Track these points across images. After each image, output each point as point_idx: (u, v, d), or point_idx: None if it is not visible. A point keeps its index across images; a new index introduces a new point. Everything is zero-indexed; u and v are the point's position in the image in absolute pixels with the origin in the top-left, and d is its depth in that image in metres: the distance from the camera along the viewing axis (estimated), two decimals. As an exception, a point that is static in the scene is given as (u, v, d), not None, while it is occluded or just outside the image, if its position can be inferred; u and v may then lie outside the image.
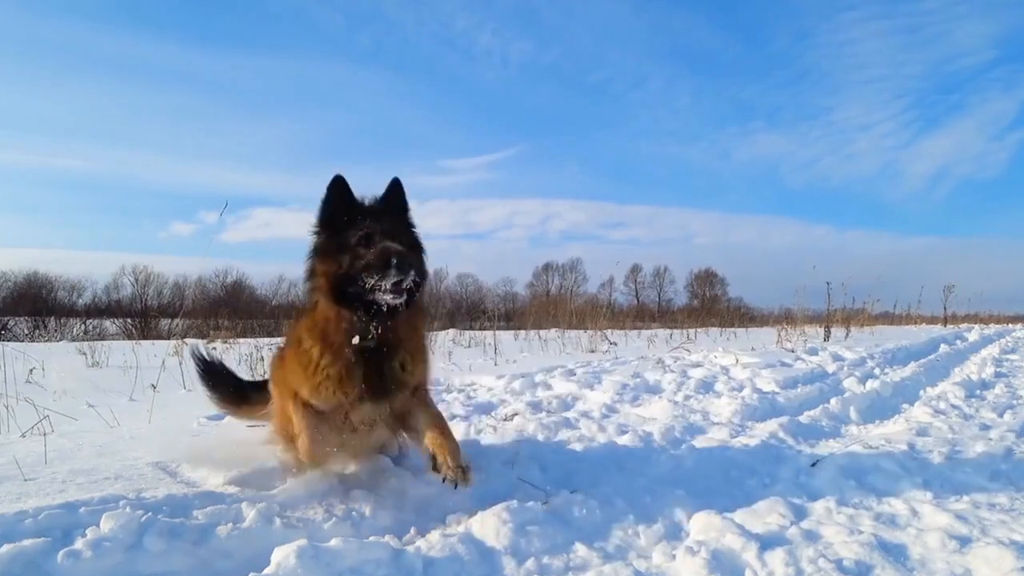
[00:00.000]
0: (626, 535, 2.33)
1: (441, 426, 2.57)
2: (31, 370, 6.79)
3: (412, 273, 2.31)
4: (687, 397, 5.28)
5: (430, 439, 2.50)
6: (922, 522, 2.39)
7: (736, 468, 3.12)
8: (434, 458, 2.44)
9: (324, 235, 2.46)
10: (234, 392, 3.33)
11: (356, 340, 2.38)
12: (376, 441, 2.80)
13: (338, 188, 2.47)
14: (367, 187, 2.53)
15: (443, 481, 2.41)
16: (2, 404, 4.17)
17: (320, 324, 2.45)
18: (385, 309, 2.35)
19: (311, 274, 2.48)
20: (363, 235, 2.36)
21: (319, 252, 2.45)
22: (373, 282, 2.29)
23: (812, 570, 1.98)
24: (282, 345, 2.88)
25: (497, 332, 11.92)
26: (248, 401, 3.27)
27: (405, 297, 2.33)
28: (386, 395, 2.51)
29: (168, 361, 6.16)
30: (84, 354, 10.55)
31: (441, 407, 4.77)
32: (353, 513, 2.38)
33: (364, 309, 2.36)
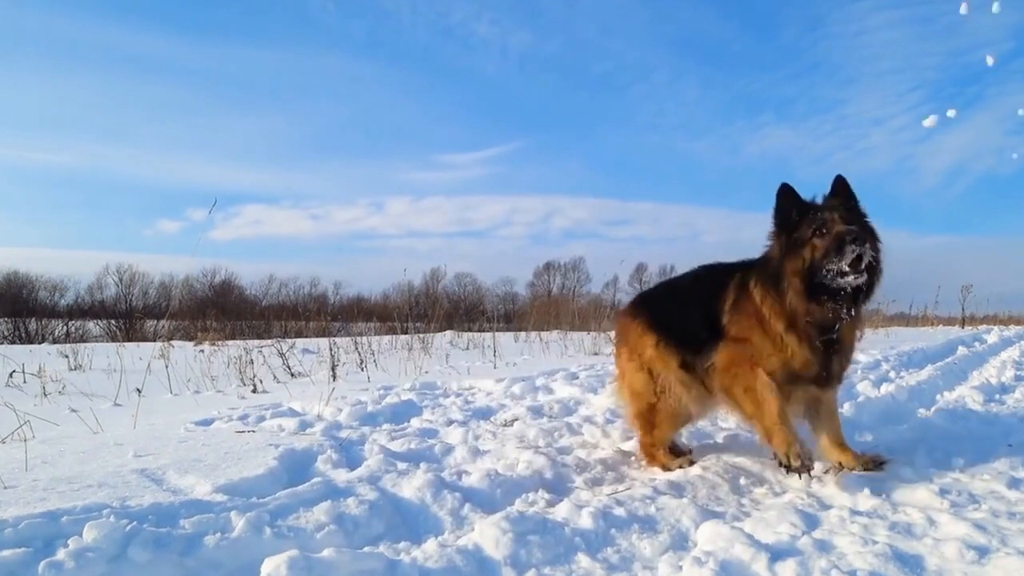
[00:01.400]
0: (630, 545, 2.33)
1: (837, 431, 3.13)
2: (11, 373, 6.79)
3: (868, 247, 2.58)
4: (694, 401, 5.28)
5: (827, 447, 3.12)
6: (939, 532, 2.39)
7: (745, 475, 3.12)
8: (840, 464, 3.06)
9: (783, 237, 2.82)
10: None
11: (819, 338, 2.78)
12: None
13: (786, 193, 2.84)
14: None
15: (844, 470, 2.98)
16: (-19, 409, 4.17)
17: (788, 313, 2.79)
18: (850, 291, 2.66)
19: (777, 278, 2.80)
20: (817, 227, 2.68)
21: (785, 253, 2.79)
22: (835, 266, 2.58)
23: (824, 582, 1.97)
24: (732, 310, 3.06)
25: (496, 334, 11.92)
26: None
27: (866, 276, 2.63)
28: (828, 385, 2.98)
29: (154, 364, 6.17)
30: (66, 356, 10.55)
31: (438, 412, 4.80)
32: (346, 522, 2.38)
33: (832, 297, 2.68)
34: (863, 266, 2.57)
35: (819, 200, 2.86)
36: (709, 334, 3.07)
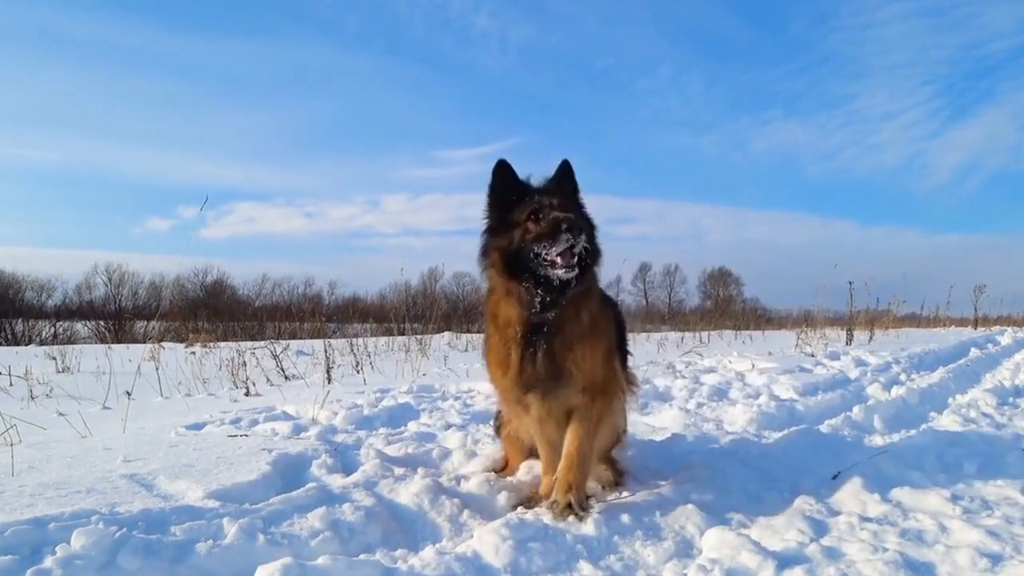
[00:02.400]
0: (633, 552, 2.33)
1: (577, 447, 2.66)
2: (-3, 376, 6.80)
3: (583, 238, 2.47)
4: (700, 405, 5.29)
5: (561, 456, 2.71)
6: (951, 538, 2.39)
7: (752, 480, 3.12)
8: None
9: (494, 215, 2.67)
10: None
11: (529, 312, 2.54)
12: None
13: (502, 171, 2.68)
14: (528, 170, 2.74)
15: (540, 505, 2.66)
16: (-34, 412, 4.17)
17: (492, 303, 2.71)
18: (557, 283, 2.50)
19: (484, 251, 2.67)
20: (532, 210, 2.55)
21: (491, 230, 2.66)
22: (544, 252, 2.46)
23: (833, 590, 1.97)
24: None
25: (496, 335, 11.86)
26: None
27: (577, 271, 2.48)
28: (557, 384, 2.63)
29: (144, 366, 6.16)
30: (54, 359, 10.56)
31: (436, 415, 4.80)
32: (342, 529, 2.39)
33: (535, 283, 2.52)
34: (575, 260, 2.45)
35: (536, 183, 2.71)
36: None
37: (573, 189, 2.76)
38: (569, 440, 2.68)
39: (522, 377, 2.61)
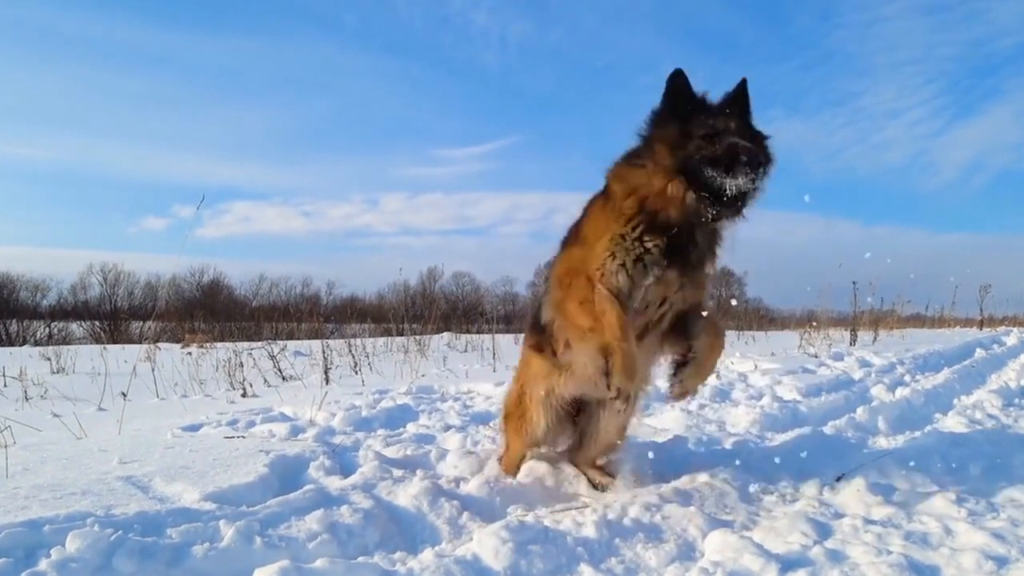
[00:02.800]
0: (635, 555, 2.33)
1: (718, 338, 2.68)
2: (-9, 376, 6.80)
3: (762, 170, 2.36)
4: (701, 406, 5.29)
5: (704, 344, 2.65)
6: (956, 541, 2.39)
7: (755, 482, 3.12)
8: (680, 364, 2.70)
9: (665, 124, 2.49)
10: None
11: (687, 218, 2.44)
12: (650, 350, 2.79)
13: (678, 81, 2.51)
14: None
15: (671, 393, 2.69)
16: (-40, 413, 4.17)
17: (642, 192, 2.49)
18: (729, 196, 2.36)
19: (645, 147, 2.52)
20: (708, 131, 2.40)
21: (658, 128, 2.51)
22: (716, 178, 2.33)
23: (837, 593, 1.97)
24: (571, 234, 2.82)
25: (496, 335, 11.92)
26: None
27: (742, 204, 2.40)
28: (686, 274, 2.56)
29: (139, 367, 6.17)
30: (49, 359, 10.57)
31: (436, 417, 4.80)
32: (340, 531, 2.39)
33: (704, 189, 2.38)
34: (746, 194, 2.37)
35: (710, 100, 2.57)
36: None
37: (747, 113, 2.61)
38: (709, 348, 2.67)
39: (658, 265, 2.51)
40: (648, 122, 2.58)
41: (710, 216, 2.43)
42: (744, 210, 2.46)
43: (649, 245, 2.50)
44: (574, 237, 2.76)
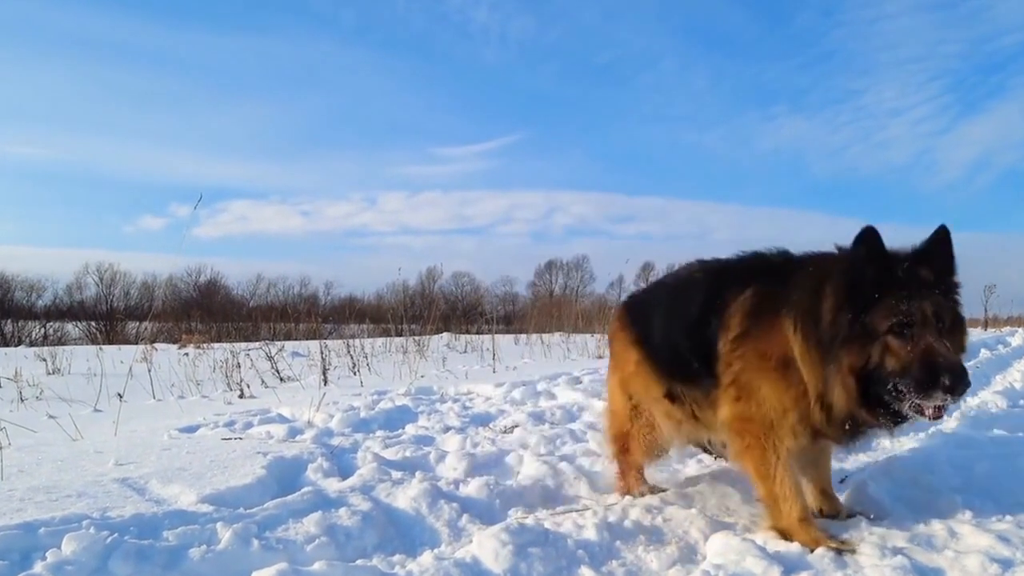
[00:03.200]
0: (636, 558, 2.33)
1: (829, 473, 2.77)
2: (-14, 378, 6.81)
3: (966, 391, 2.02)
4: (703, 407, 5.29)
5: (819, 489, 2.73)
6: (961, 544, 2.39)
7: (757, 485, 3.12)
8: (820, 512, 2.67)
9: (850, 312, 2.13)
10: None
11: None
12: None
13: (870, 247, 2.13)
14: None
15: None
16: (-46, 415, 4.17)
17: (836, 402, 2.20)
18: (909, 420, 2.14)
19: (828, 357, 2.17)
20: (898, 321, 2.06)
21: (846, 335, 2.13)
22: (909, 394, 2.04)
23: (840, 596, 1.97)
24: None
25: (496, 336, 11.93)
26: None
27: (944, 418, 2.11)
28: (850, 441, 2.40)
29: (136, 368, 6.17)
30: (44, 360, 10.57)
31: (435, 418, 4.81)
32: (338, 533, 2.39)
33: (887, 415, 2.15)
34: (944, 411, 2.06)
35: (904, 258, 2.19)
36: (702, 365, 2.56)
37: (951, 275, 2.24)
38: (828, 467, 2.74)
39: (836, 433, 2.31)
40: (835, 301, 2.17)
41: (885, 427, 2.23)
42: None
43: (826, 428, 2.30)
44: (744, 374, 2.43)
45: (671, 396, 2.76)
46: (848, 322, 2.13)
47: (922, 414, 2.08)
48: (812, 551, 2.28)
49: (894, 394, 2.08)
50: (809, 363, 2.23)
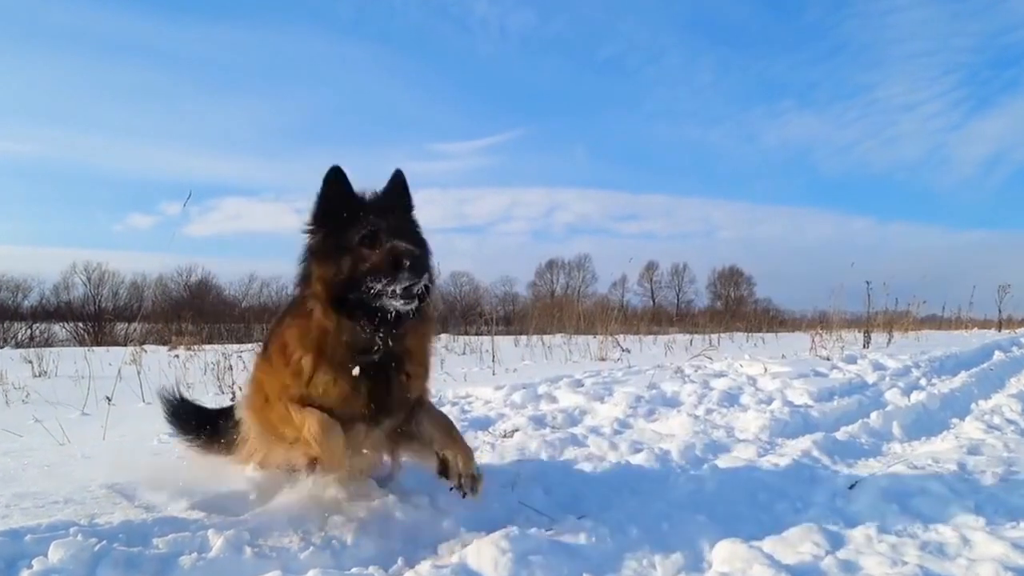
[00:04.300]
0: (640, 566, 2.33)
1: (449, 427, 2.67)
2: (-30, 380, 6.80)
3: (425, 276, 2.33)
4: (709, 411, 5.29)
5: (440, 442, 2.60)
6: (974, 551, 2.39)
7: (764, 491, 3.12)
8: (444, 462, 2.57)
9: (321, 234, 2.47)
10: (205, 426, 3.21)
11: (357, 368, 2.38)
12: (371, 463, 2.81)
13: (336, 180, 2.47)
14: (362, 179, 2.55)
15: (451, 489, 2.54)
16: (-62, 419, 4.17)
17: (315, 334, 2.42)
18: (392, 317, 2.36)
19: (305, 278, 2.49)
20: (366, 233, 2.37)
21: (316, 254, 2.46)
22: (380, 287, 2.30)
23: (850, 606, 1.98)
24: (261, 352, 2.85)
25: (495, 337, 11.93)
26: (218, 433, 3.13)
27: (416, 303, 2.34)
28: (391, 413, 2.55)
29: (125, 370, 6.17)
30: (30, 362, 10.55)
31: (432, 422, 4.80)
32: (333, 541, 2.38)
33: (368, 318, 2.37)
34: (414, 293, 2.31)
35: (369, 195, 2.55)
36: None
37: (408, 205, 2.63)
38: (440, 426, 2.66)
39: (349, 408, 2.43)
40: (306, 232, 2.51)
41: (379, 343, 2.39)
42: (420, 311, 2.41)
43: (332, 389, 2.41)
44: (255, 371, 2.77)
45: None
46: (321, 240, 2.46)
47: (395, 299, 2.31)
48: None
49: (368, 292, 2.32)
50: (294, 325, 2.49)
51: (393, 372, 2.48)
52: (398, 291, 2.29)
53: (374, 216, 2.42)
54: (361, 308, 2.36)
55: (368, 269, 2.32)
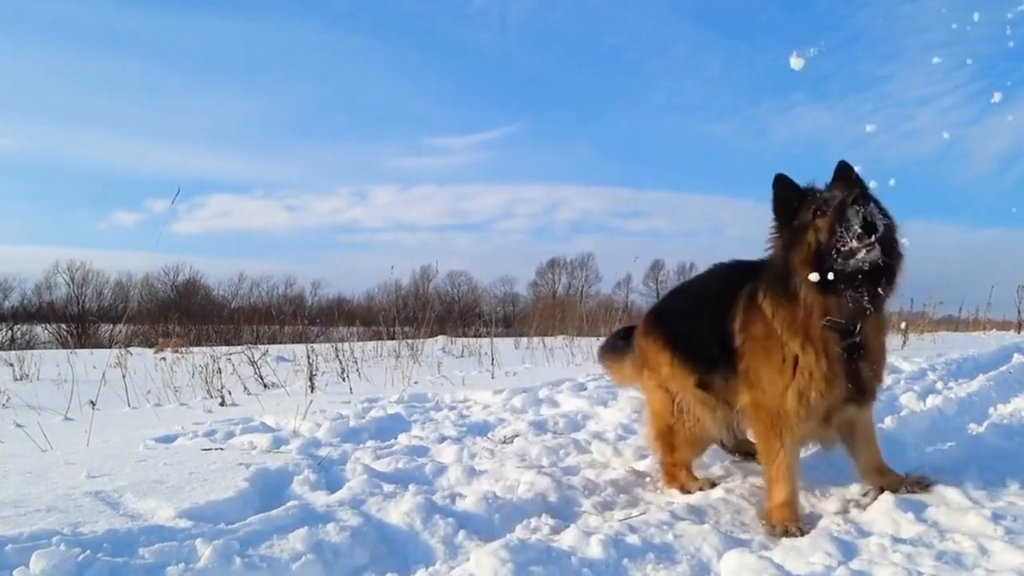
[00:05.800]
0: (644, 575, 2.33)
1: (878, 448, 3.13)
2: (-51, 384, 6.81)
3: (873, 207, 2.53)
4: (717, 416, 5.29)
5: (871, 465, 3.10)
6: (992, 562, 2.39)
7: (774, 499, 3.12)
8: (881, 488, 2.99)
9: (784, 229, 2.78)
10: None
11: (839, 344, 2.69)
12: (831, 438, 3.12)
13: (781, 184, 2.82)
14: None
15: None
16: (-85, 424, 4.18)
17: (803, 322, 2.70)
18: (867, 271, 2.55)
19: (786, 271, 2.73)
20: (818, 207, 2.64)
21: (788, 245, 2.73)
22: (843, 242, 2.51)
23: (863, 618, 1.98)
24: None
25: (495, 339, 11.93)
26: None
27: (880, 250, 2.52)
28: (865, 399, 2.89)
29: (109, 374, 6.17)
30: (11, 365, 10.57)
31: (430, 427, 4.81)
32: (326, 551, 2.39)
33: (849, 284, 2.57)
34: (873, 236, 2.48)
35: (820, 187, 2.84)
36: (721, 352, 3.08)
37: (858, 183, 2.78)
38: (874, 443, 3.14)
39: (835, 394, 2.77)
40: (772, 237, 2.87)
41: (867, 308, 2.62)
42: (893, 272, 2.66)
43: (818, 372, 2.74)
44: (750, 362, 2.95)
45: (702, 384, 3.25)
46: (787, 235, 2.75)
47: (857, 251, 2.50)
48: (776, 534, 2.68)
49: (838, 257, 2.54)
50: (781, 316, 2.77)
51: (863, 360, 2.77)
52: (855, 240, 2.48)
53: (822, 194, 2.70)
54: (841, 278, 2.56)
55: (827, 233, 2.56)
